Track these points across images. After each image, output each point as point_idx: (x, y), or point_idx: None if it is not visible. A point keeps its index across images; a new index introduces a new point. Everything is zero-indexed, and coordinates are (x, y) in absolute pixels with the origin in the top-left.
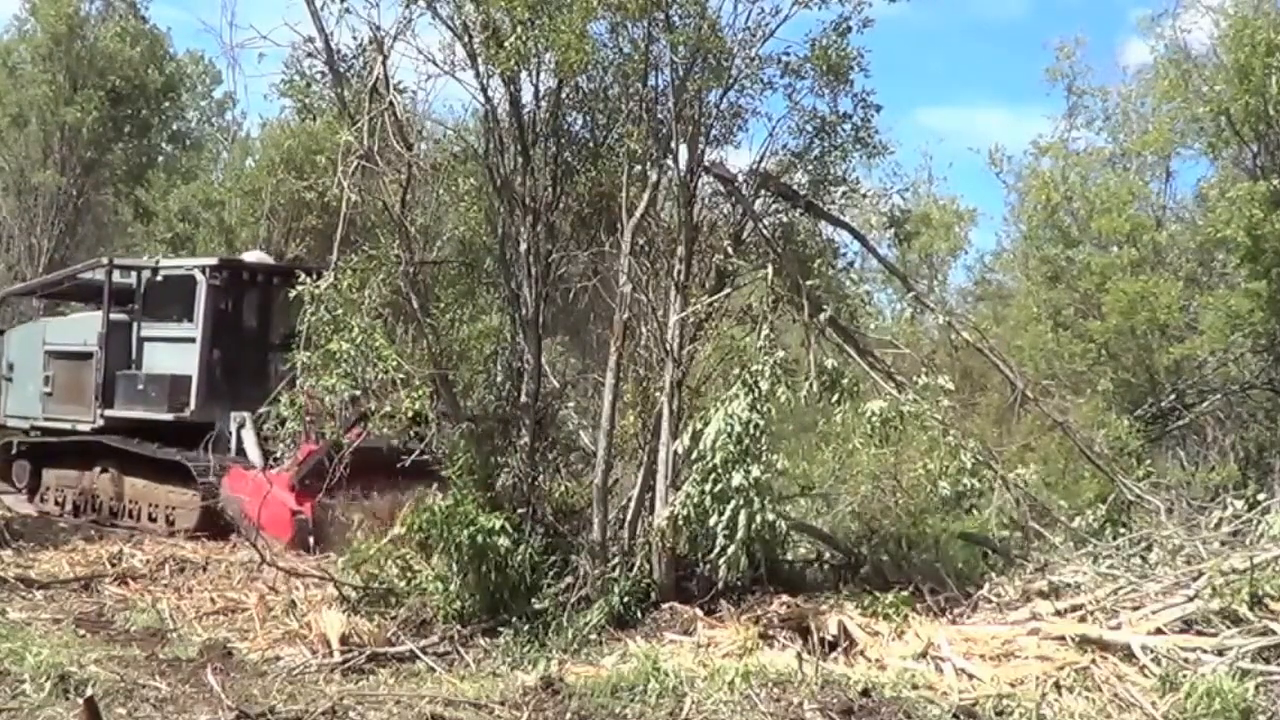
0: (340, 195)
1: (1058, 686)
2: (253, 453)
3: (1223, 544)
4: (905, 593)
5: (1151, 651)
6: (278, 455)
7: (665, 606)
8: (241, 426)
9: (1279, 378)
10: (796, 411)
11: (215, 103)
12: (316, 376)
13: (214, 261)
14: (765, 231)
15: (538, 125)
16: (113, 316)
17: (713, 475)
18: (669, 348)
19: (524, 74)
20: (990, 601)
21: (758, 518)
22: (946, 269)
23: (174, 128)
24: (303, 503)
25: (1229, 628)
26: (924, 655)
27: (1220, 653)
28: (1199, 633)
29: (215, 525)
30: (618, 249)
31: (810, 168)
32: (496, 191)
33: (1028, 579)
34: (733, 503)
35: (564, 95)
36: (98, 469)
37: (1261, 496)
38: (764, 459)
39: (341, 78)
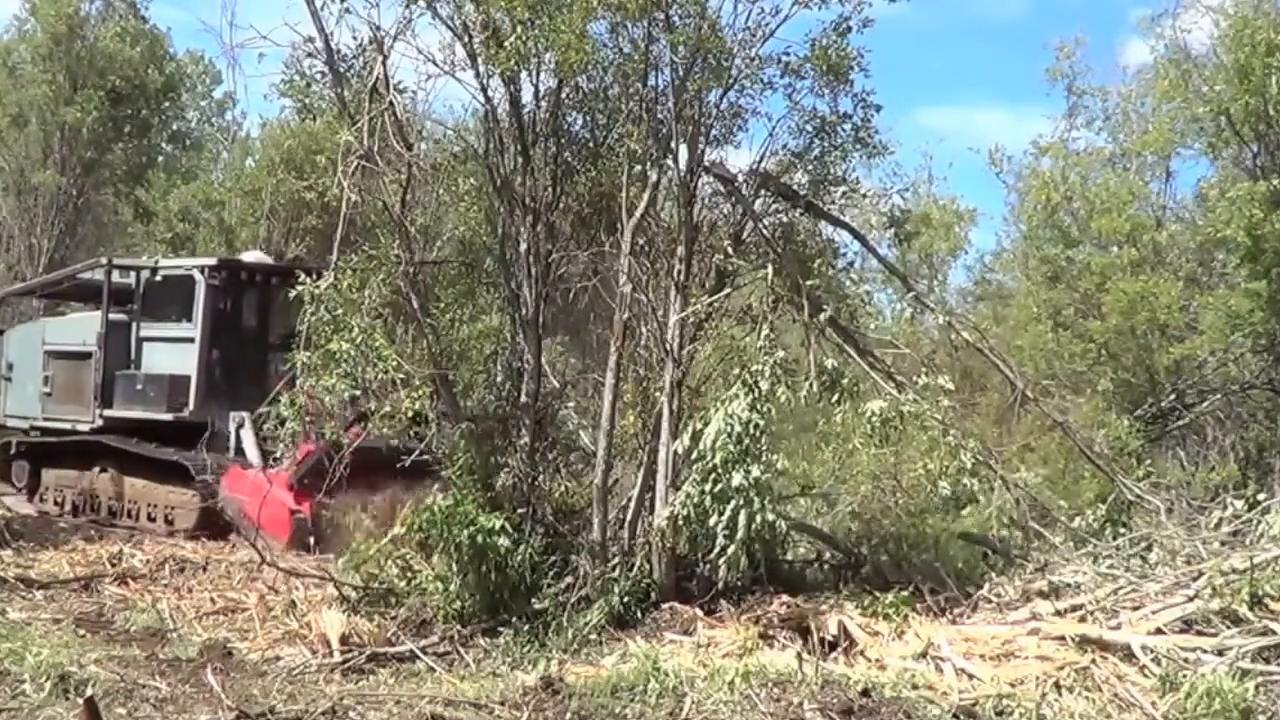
0: (340, 195)
1: (1058, 686)
2: (251, 452)
3: (1223, 544)
4: (905, 593)
5: (1151, 651)
6: (277, 455)
7: (665, 606)
8: (240, 426)
9: (1279, 378)
10: (796, 411)
11: (215, 103)
12: (316, 376)
13: (213, 261)
14: (765, 231)
15: (538, 125)
16: (112, 316)
17: (713, 475)
18: (669, 348)
19: (524, 74)
20: (990, 601)
21: (758, 518)
22: (946, 269)
23: (174, 128)
24: (301, 502)
25: (1229, 628)
26: (924, 655)
27: (1220, 653)
28: (1199, 633)
29: (214, 525)
30: (618, 249)
31: (810, 168)
32: (496, 191)
33: (1028, 579)
34: (733, 503)
35: (564, 95)
36: (97, 469)
37: (1261, 496)
38: (764, 459)
39: (341, 78)
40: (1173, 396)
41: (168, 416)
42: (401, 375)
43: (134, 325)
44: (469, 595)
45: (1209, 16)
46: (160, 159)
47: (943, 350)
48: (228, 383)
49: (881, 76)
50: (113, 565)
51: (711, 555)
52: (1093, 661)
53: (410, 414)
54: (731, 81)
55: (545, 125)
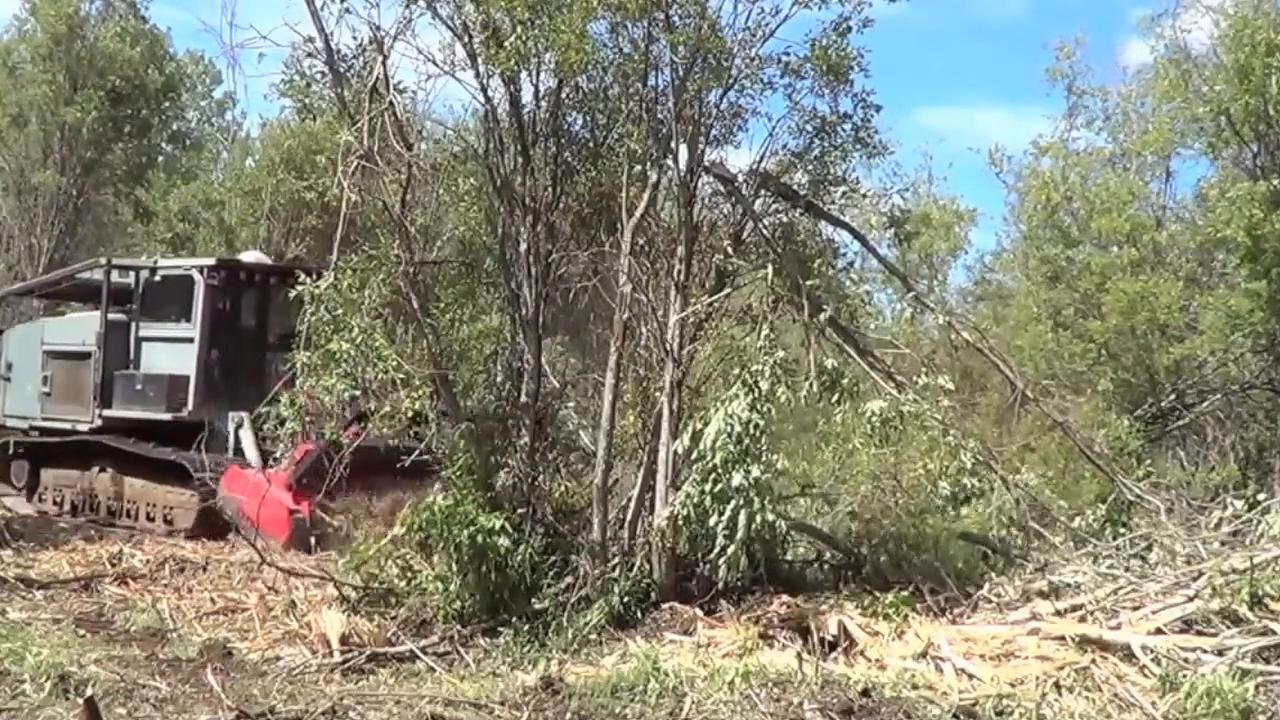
0: (340, 195)
1: (1058, 686)
2: (250, 452)
3: (1223, 544)
4: (905, 593)
5: (1151, 651)
6: (276, 455)
7: (665, 606)
8: (239, 426)
9: (1279, 378)
10: (796, 411)
11: (215, 103)
12: (316, 376)
13: (212, 262)
14: (765, 231)
15: (538, 125)
16: (111, 316)
17: (713, 475)
18: (669, 348)
19: (524, 74)
20: (990, 601)
21: (758, 518)
22: (946, 269)
23: (174, 128)
24: (300, 502)
25: (1229, 628)
26: (924, 655)
27: (1220, 653)
28: (1199, 633)
29: (213, 525)
30: (618, 249)
31: (810, 168)
32: (496, 191)
33: (1028, 579)
34: (733, 503)
35: (564, 95)
36: (96, 469)
37: (1261, 496)
38: (764, 459)
39: (341, 78)
40: (1173, 396)
41: (167, 416)
42: (401, 375)
43: (133, 325)
44: (469, 595)
45: (1209, 16)
46: (160, 159)
47: (943, 350)
48: (227, 383)
49: (881, 76)
50: (113, 565)
51: (711, 555)
52: (1093, 661)
53: (410, 414)
54: (731, 81)
55: (545, 125)
